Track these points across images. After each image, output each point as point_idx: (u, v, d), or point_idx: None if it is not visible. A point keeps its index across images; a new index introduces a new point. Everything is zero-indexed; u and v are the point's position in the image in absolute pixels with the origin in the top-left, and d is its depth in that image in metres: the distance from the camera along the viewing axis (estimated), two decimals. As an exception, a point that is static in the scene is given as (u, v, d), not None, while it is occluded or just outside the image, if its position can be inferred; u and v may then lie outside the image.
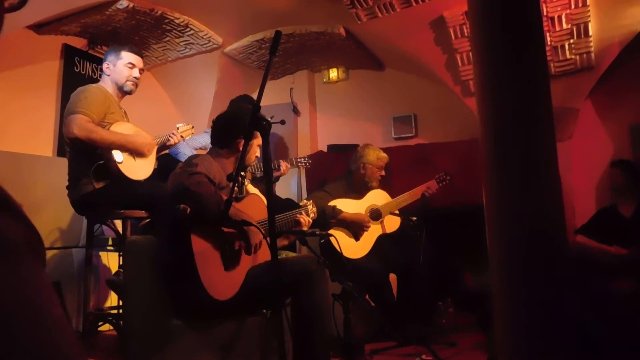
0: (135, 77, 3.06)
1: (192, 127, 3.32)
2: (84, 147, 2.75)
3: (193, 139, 4.04)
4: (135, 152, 2.88)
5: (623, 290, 3.00)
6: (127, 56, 3.04)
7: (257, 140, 2.56)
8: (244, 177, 2.78)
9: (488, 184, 1.97)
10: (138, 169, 2.88)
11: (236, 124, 2.58)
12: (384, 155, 3.85)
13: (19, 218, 0.43)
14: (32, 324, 0.39)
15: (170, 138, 3.13)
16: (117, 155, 2.78)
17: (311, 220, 2.74)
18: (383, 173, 3.84)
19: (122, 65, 3.02)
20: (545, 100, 1.97)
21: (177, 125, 3.22)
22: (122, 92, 3.06)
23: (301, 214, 2.74)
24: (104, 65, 3.04)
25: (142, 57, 3.15)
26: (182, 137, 3.20)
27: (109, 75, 3.03)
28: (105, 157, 2.76)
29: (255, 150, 2.62)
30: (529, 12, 2.04)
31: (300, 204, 2.93)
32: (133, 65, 3.05)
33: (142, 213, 2.93)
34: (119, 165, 2.77)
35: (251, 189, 3.09)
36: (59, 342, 0.42)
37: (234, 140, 2.55)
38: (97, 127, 2.76)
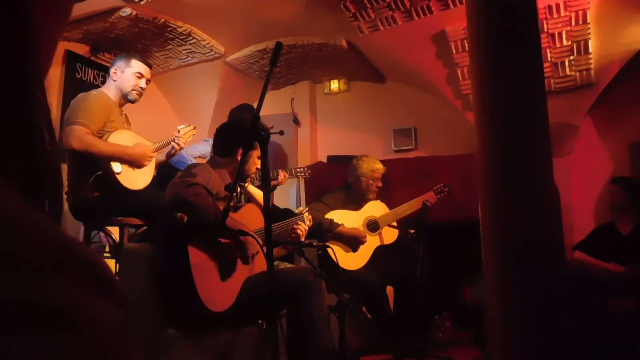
0: (142, 88, 3.03)
1: (194, 127, 3.24)
2: (83, 158, 2.74)
3: (193, 147, 4.04)
4: (133, 164, 2.86)
5: (620, 310, 2.99)
6: (137, 65, 3.01)
7: (257, 152, 2.55)
8: (243, 187, 2.77)
9: (484, 198, 1.97)
10: (137, 179, 2.87)
11: (237, 133, 2.59)
12: (379, 166, 3.83)
13: (114, 297, 0.40)
14: None
15: (173, 145, 3.05)
16: (116, 166, 2.77)
17: (307, 229, 2.72)
18: (379, 184, 3.83)
19: (130, 74, 2.99)
20: (543, 115, 1.97)
21: (179, 127, 3.13)
22: (126, 100, 3.04)
23: (297, 222, 2.72)
24: (112, 70, 3.00)
25: (151, 68, 3.13)
26: (185, 140, 3.12)
27: (115, 81, 2.99)
28: (103, 167, 2.75)
29: (255, 162, 2.61)
30: (528, 27, 2.06)
31: (297, 211, 2.92)
32: (141, 76, 3.02)
33: (139, 221, 2.92)
34: (118, 176, 2.76)
35: (252, 189, 3.07)
36: None
37: (234, 149, 2.55)
38: (96, 140, 2.73)
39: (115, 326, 0.39)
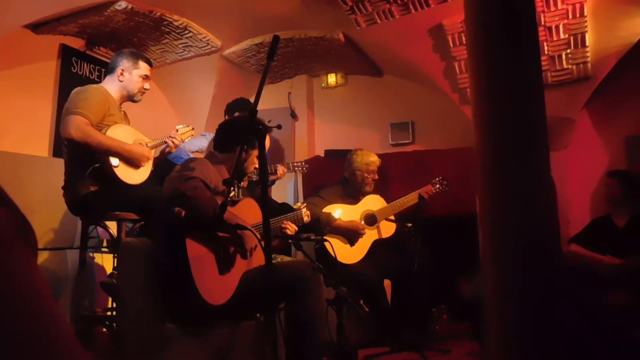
0: (146, 89, 3.05)
1: (193, 128, 3.27)
2: (81, 149, 2.73)
3: (190, 142, 4.03)
4: (131, 162, 2.85)
5: (617, 302, 3.00)
6: (144, 67, 3.01)
7: (257, 152, 2.55)
8: (241, 182, 2.77)
9: (482, 191, 1.98)
10: (134, 173, 2.86)
11: (238, 130, 2.58)
12: (374, 159, 3.83)
13: (4, 203, 0.43)
14: (24, 314, 0.39)
15: (168, 143, 3.05)
16: (114, 159, 2.77)
17: (297, 228, 2.72)
18: (375, 177, 3.83)
19: (137, 76, 2.99)
20: (540, 108, 1.98)
21: (177, 127, 3.16)
22: (130, 100, 3.04)
23: (293, 218, 2.73)
24: (118, 71, 2.97)
25: (152, 67, 3.14)
26: (182, 140, 3.13)
27: (121, 82, 2.97)
28: (101, 160, 2.75)
29: (254, 161, 2.61)
30: (525, 20, 2.05)
31: (295, 206, 2.92)
32: (147, 77, 3.04)
33: (137, 216, 2.92)
34: (115, 169, 2.75)
35: None
36: (52, 333, 0.41)
37: (234, 146, 2.55)
38: (95, 131, 2.73)
39: (5, 224, 0.42)
